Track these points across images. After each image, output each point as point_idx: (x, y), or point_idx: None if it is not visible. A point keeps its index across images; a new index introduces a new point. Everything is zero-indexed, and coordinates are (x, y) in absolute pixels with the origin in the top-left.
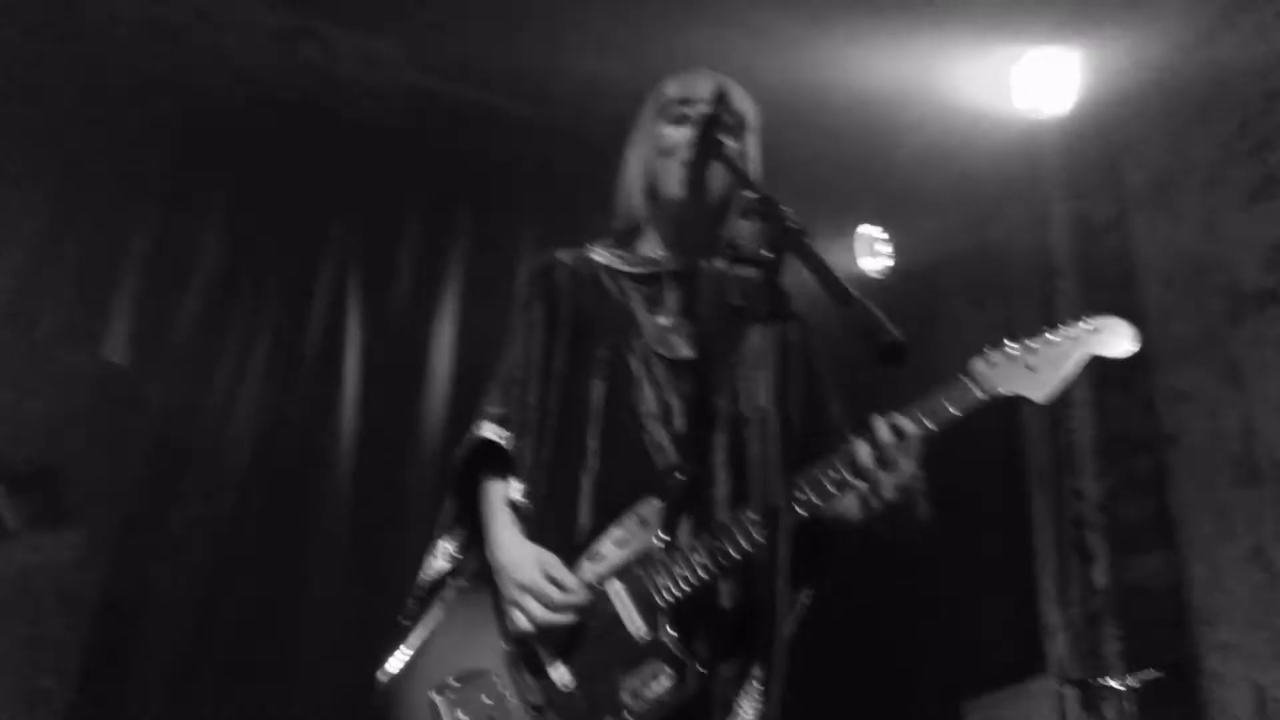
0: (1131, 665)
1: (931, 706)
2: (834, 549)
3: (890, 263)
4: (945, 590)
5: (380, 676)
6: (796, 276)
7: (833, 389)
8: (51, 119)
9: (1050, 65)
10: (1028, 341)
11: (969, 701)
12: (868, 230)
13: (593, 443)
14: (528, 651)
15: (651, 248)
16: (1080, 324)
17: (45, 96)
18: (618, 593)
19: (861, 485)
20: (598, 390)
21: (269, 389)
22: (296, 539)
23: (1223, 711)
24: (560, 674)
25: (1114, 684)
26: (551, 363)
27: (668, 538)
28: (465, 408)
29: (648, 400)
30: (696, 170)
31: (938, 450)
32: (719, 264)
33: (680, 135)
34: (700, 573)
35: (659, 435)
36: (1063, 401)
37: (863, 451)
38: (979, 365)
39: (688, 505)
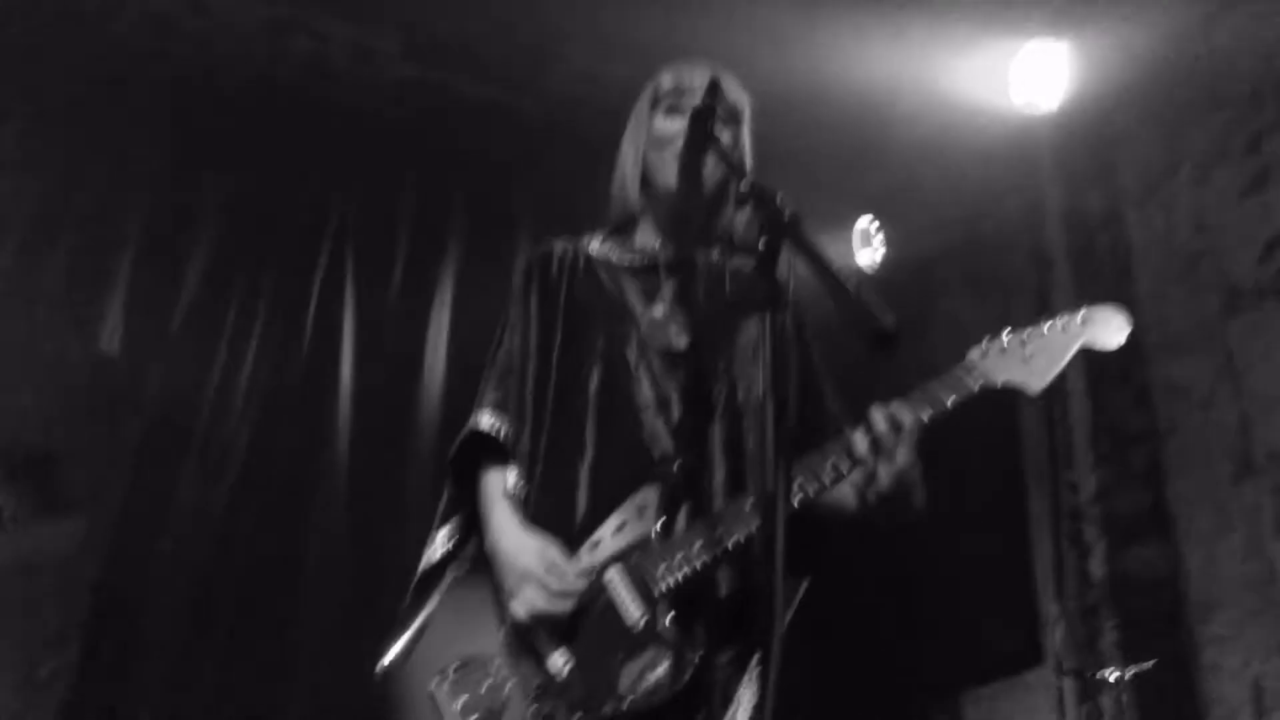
0: (1128, 657)
1: (929, 699)
2: (830, 538)
3: (885, 255)
4: (942, 583)
5: (380, 664)
6: (792, 266)
7: (829, 378)
8: (47, 109)
9: (1044, 59)
10: (1023, 332)
11: (966, 693)
12: (863, 223)
13: (590, 433)
14: (527, 639)
15: (647, 239)
16: (1074, 314)
17: (41, 86)
18: (616, 581)
19: (858, 474)
20: (594, 380)
21: (265, 378)
22: (294, 527)
23: (1219, 703)
24: (559, 661)
25: (1111, 676)
26: (548, 353)
27: (665, 526)
28: (462, 398)
29: (644, 390)
30: (691, 161)
31: (934, 444)
32: (715, 254)
33: (675, 126)
34: (697, 561)
35: (656, 425)
36: (1058, 394)
37: (859, 441)
38: (975, 356)
39: (685, 494)
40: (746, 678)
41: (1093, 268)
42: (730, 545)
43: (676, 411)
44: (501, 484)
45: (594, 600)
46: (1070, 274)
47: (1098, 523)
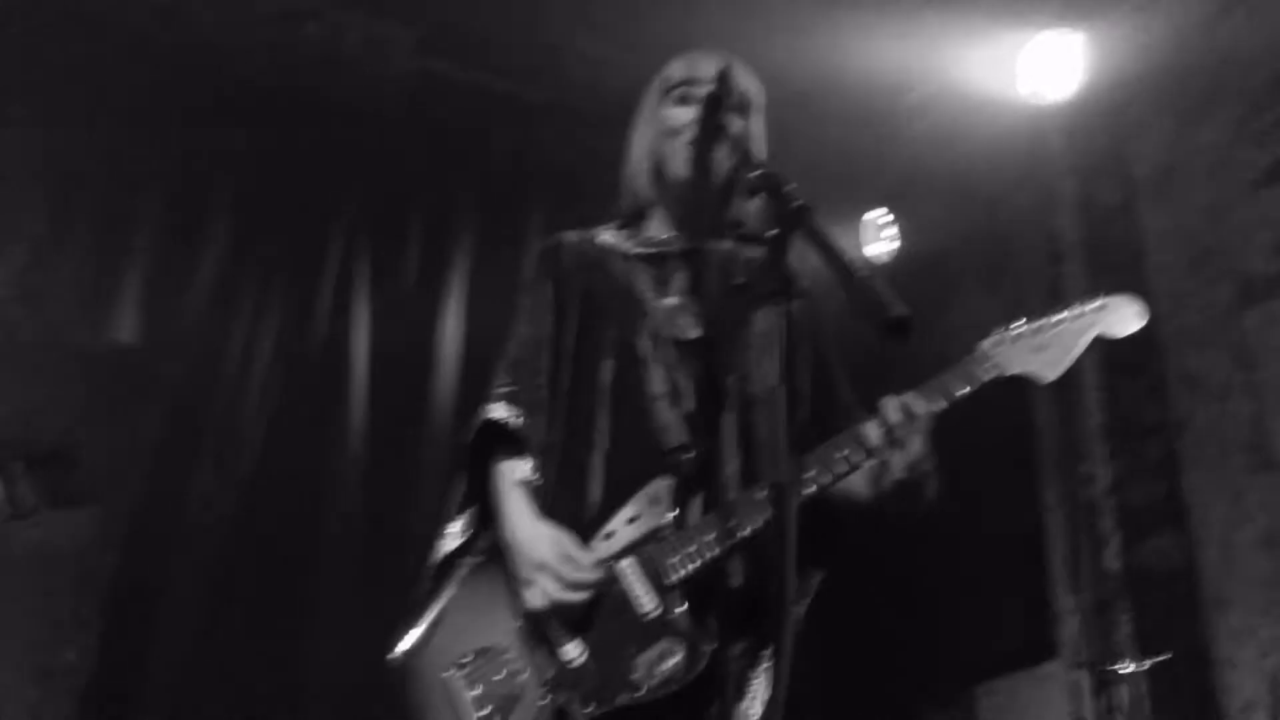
0: (1143, 650)
1: (944, 691)
2: (844, 529)
3: (897, 247)
4: (957, 575)
5: (394, 654)
6: (803, 255)
7: (841, 367)
8: (61, 100)
9: (1056, 49)
10: (1035, 322)
11: (980, 686)
12: (874, 215)
13: (603, 423)
14: (541, 629)
15: (658, 229)
16: (1087, 303)
17: (53, 76)
18: (629, 571)
19: (872, 465)
20: (607, 370)
21: (281, 367)
22: (310, 516)
23: (1234, 696)
24: (573, 651)
25: (1126, 668)
26: (560, 343)
27: (678, 518)
28: (475, 387)
29: (657, 381)
30: (702, 150)
31: (947, 436)
32: (726, 244)
33: (685, 116)
34: (710, 552)
35: (668, 415)
36: (1073, 386)
37: (872, 431)
38: (987, 345)
39: (698, 484)
40: (759, 669)
41: (1105, 259)
42: (742, 536)
43: (689, 402)
44: (515, 473)
45: (608, 590)
46: (1083, 265)
47: (1113, 515)
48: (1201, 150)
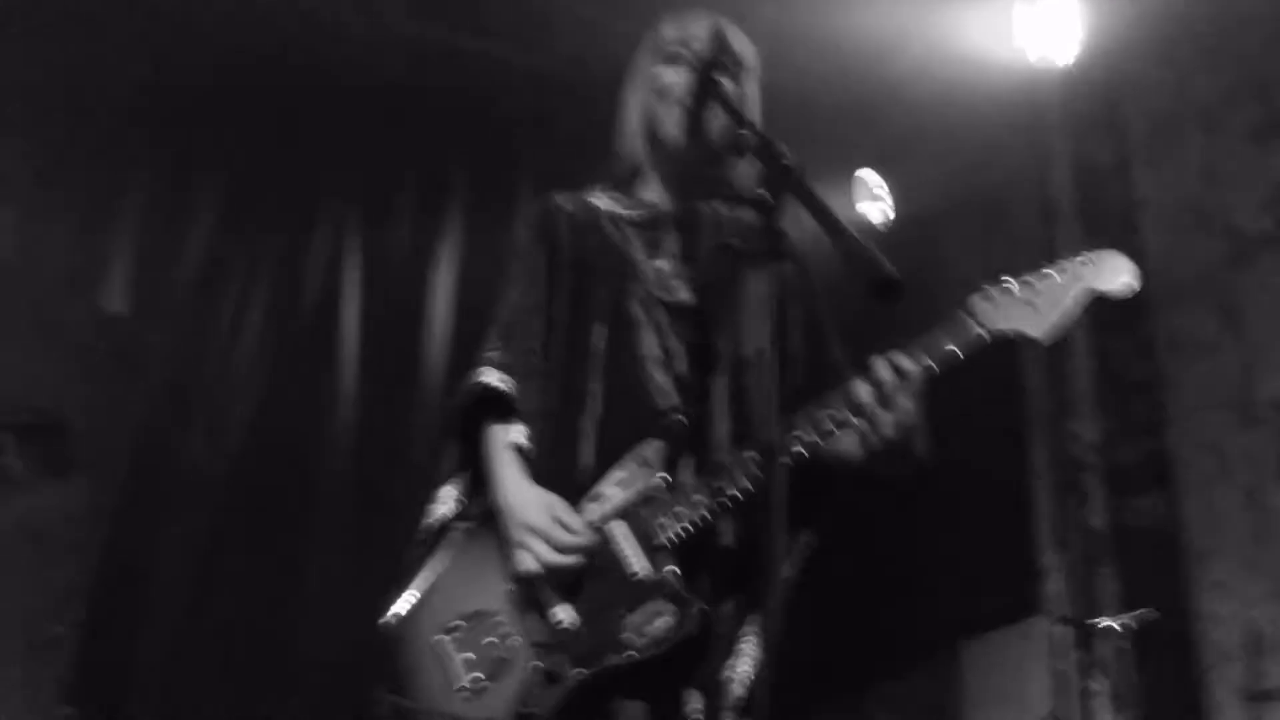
0: (1126, 605)
1: (928, 646)
2: (834, 489)
3: (890, 208)
4: (942, 532)
5: (385, 619)
6: (795, 217)
7: (832, 329)
8: (49, 69)
9: (1052, 10)
10: (1027, 278)
11: (964, 642)
12: (867, 175)
13: (594, 386)
14: (531, 593)
15: (651, 191)
16: (1078, 259)
17: (41, 47)
18: (620, 533)
19: (861, 424)
20: (598, 334)
21: (271, 335)
22: (301, 484)
23: (1217, 650)
24: (564, 613)
25: (1109, 624)
26: (552, 307)
27: (669, 479)
28: (465, 351)
29: (648, 344)
30: (694, 112)
31: (936, 394)
32: (719, 206)
33: (677, 77)
34: (701, 512)
35: (660, 378)
36: (1061, 344)
37: (862, 390)
38: (979, 302)
39: (689, 446)
40: (749, 629)
41: (1100, 219)
42: (732, 496)
43: (680, 364)
44: (506, 438)
45: (599, 553)
46: (1077, 226)
47: (1099, 472)
48: (1195, 109)
